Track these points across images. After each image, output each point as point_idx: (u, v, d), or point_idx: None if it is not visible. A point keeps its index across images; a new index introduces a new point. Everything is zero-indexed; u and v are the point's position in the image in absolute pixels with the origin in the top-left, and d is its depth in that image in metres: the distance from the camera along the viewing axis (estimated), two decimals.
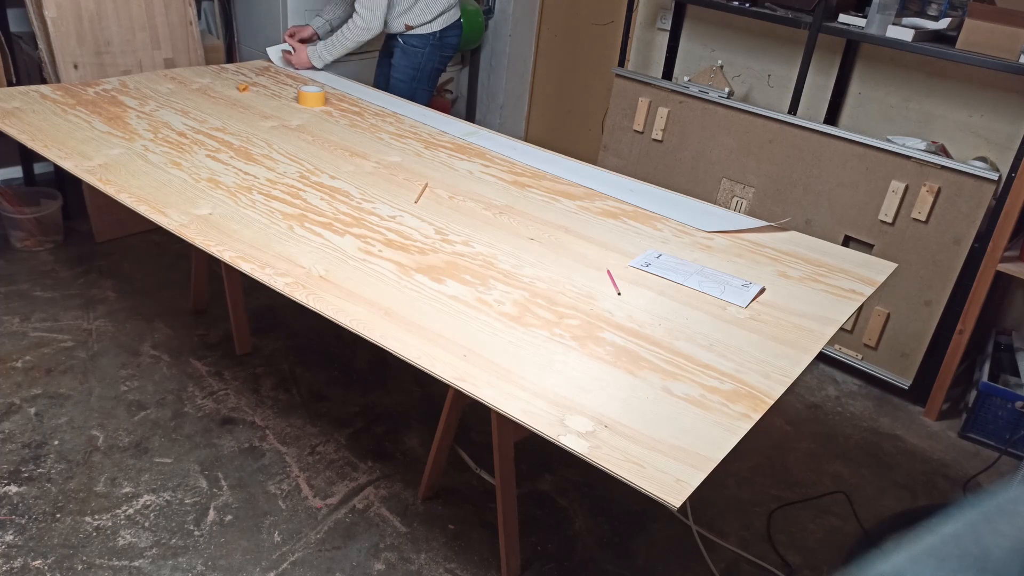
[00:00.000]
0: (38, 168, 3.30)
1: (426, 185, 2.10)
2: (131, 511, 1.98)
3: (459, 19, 3.14)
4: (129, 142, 2.17)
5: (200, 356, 2.58)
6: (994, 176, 2.45)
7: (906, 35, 2.51)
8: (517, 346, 1.46)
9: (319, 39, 3.11)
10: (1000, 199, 2.43)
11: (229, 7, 3.60)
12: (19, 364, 2.45)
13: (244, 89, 2.72)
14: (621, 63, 3.51)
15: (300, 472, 2.16)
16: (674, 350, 1.49)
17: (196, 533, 1.94)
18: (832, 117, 3.09)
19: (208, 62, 3.34)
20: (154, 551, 1.88)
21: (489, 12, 4.25)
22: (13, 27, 3.08)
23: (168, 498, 2.03)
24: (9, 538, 1.87)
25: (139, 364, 2.51)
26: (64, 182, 3.25)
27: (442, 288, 1.62)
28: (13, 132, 2.15)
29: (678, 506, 1.15)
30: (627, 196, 2.16)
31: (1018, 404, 2.50)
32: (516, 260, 1.76)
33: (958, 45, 2.44)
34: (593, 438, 1.25)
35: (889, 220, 2.64)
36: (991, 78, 2.69)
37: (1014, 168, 2.39)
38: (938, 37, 2.56)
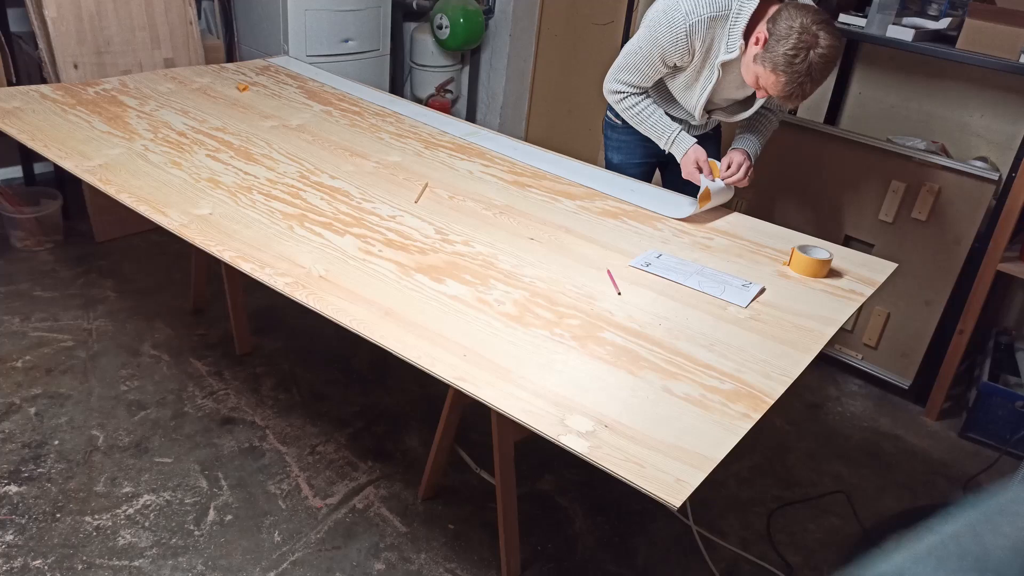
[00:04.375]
0: (38, 168, 3.30)
1: (426, 185, 2.09)
2: (131, 511, 1.98)
3: None
4: (129, 142, 2.17)
5: (200, 356, 2.58)
6: (994, 176, 2.45)
7: (906, 35, 2.51)
8: (517, 346, 1.46)
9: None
10: (1000, 199, 2.42)
11: (229, 7, 3.60)
12: (19, 364, 2.45)
13: (244, 89, 2.72)
14: None
15: (300, 472, 2.16)
16: (674, 350, 1.49)
17: (196, 533, 1.94)
18: (832, 117, 3.09)
19: (208, 62, 3.33)
20: (154, 551, 1.88)
21: (489, 12, 4.25)
22: (13, 27, 3.08)
23: (168, 498, 2.03)
24: (9, 538, 1.87)
25: (139, 364, 2.51)
26: (64, 182, 3.25)
27: (442, 288, 1.62)
28: (13, 132, 2.15)
29: (678, 506, 1.14)
30: (627, 196, 2.15)
31: (1018, 404, 2.50)
32: (516, 260, 1.76)
33: (958, 45, 2.43)
34: (593, 438, 1.25)
35: (889, 220, 2.64)
36: (991, 78, 2.69)
37: (1014, 168, 2.39)
38: (938, 37, 2.56)
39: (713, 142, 2.35)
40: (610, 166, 2.42)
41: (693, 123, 2.21)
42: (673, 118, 2.21)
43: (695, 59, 1.99)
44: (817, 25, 1.73)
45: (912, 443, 2.59)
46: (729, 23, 1.90)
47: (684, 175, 2.13)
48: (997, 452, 2.53)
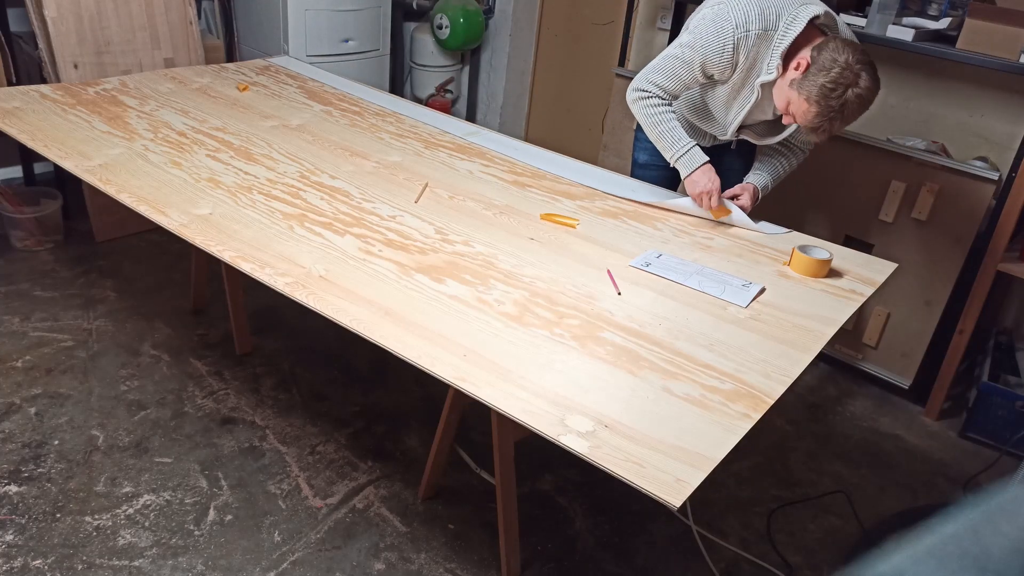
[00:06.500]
0: (38, 168, 3.30)
1: (426, 185, 2.09)
2: (131, 511, 1.98)
3: None
4: (129, 142, 2.17)
5: (200, 356, 2.58)
6: (994, 176, 2.45)
7: (906, 35, 2.51)
8: (517, 346, 1.46)
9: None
10: (1000, 199, 2.42)
11: (229, 7, 3.60)
12: (19, 364, 2.45)
13: (244, 89, 2.72)
14: (621, 63, 3.51)
15: (300, 472, 2.16)
16: (674, 350, 1.49)
17: (196, 533, 1.94)
18: None
19: (208, 62, 3.33)
20: (154, 551, 1.88)
21: (489, 12, 4.25)
22: (13, 27, 3.08)
23: (168, 498, 2.03)
24: (9, 538, 1.87)
25: (139, 364, 2.51)
26: (64, 182, 3.25)
27: (442, 288, 1.62)
28: (13, 132, 2.15)
29: (678, 506, 1.15)
30: (628, 196, 2.15)
31: (1018, 404, 2.50)
32: (516, 260, 1.76)
33: (958, 45, 2.43)
34: (593, 438, 1.25)
35: (889, 220, 2.64)
36: (991, 78, 2.69)
37: (1014, 168, 2.39)
38: (938, 37, 2.56)
39: (741, 159, 2.28)
40: (636, 166, 2.38)
41: (721, 138, 2.18)
42: (701, 132, 2.18)
43: (735, 75, 1.94)
44: (860, 65, 1.71)
45: (912, 443, 2.59)
46: (773, 43, 1.85)
47: (689, 193, 2.03)
48: (997, 452, 2.53)
